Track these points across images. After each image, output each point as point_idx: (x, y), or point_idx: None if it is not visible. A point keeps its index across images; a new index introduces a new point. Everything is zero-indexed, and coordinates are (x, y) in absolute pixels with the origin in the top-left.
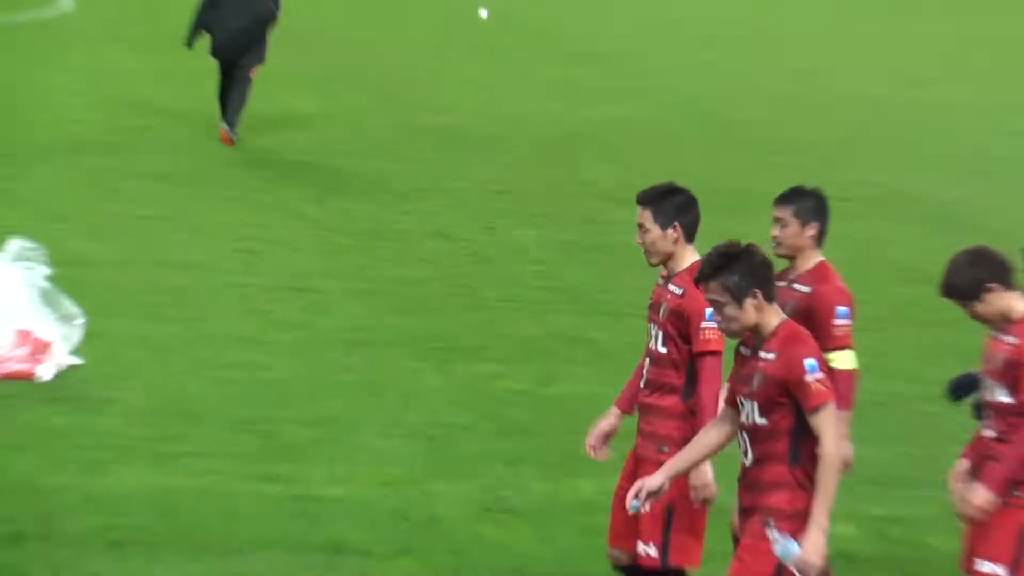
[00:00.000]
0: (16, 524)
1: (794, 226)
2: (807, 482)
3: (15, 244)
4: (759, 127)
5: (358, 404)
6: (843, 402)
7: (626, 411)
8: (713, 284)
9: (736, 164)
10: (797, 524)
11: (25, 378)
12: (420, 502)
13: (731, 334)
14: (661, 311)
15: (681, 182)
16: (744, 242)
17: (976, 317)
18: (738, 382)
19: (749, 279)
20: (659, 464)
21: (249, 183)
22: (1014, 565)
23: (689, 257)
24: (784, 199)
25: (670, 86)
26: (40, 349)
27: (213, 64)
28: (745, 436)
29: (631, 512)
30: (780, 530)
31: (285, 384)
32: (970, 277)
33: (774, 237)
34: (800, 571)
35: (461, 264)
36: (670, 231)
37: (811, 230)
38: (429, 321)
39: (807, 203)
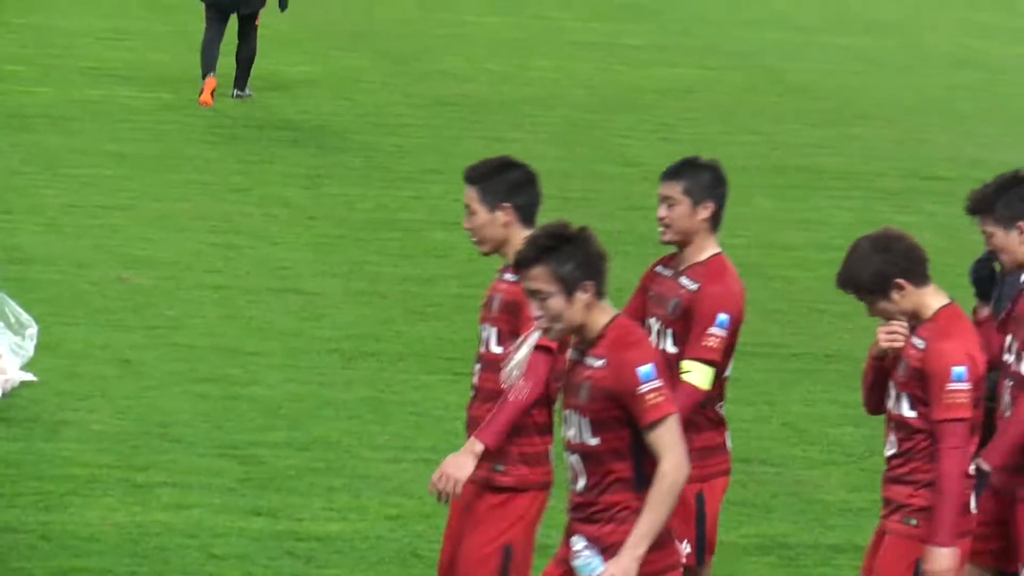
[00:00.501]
0: None
1: (684, 205)
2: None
3: None
4: (834, 93)
5: (360, 425)
6: None
7: None
8: (538, 270)
9: (807, 136)
10: (652, 555)
11: None
12: (433, 538)
13: (553, 334)
14: (493, 305)
15: (743, 158)
16: (577, 226)
17: (879, 314)
18: (567, 393)
19: (583, 268)
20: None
21: (225, 165)
22: None
23: None
24: (672, 174)
25: (727, 44)
26: None
27: (200, 11)
28: (575, 458)
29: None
30: (591, 546)
31: (273, 402)
32: (874, 269)
33: (660, 219)
34: None
35: (478, 259)
36: (499, 213)
37: (704, 211)
38: (441, 328)
39: (701, 178)
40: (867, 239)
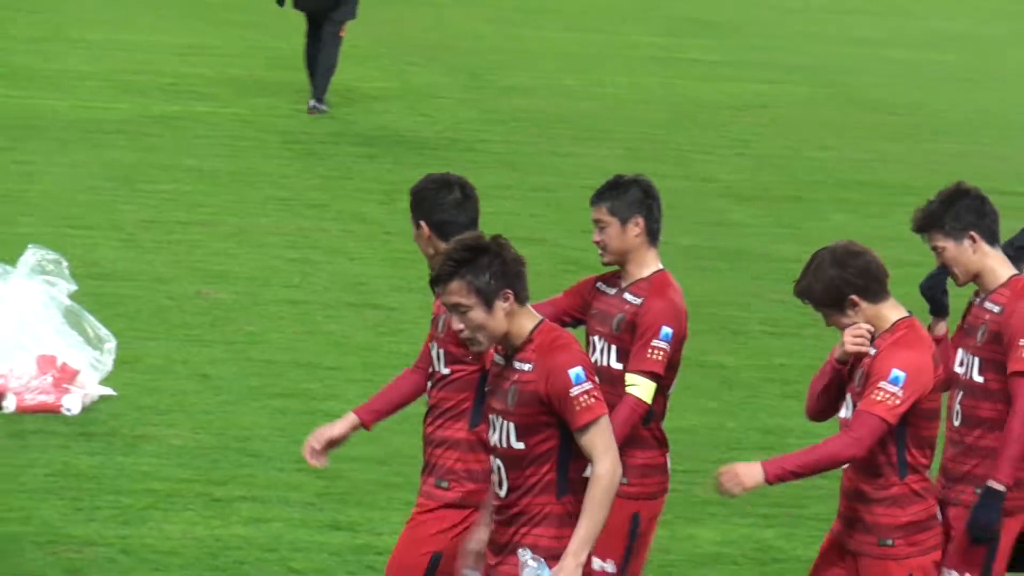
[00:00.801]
0: None
1: (614, 226)
2: (571, 514)
3: (32, 255)
4: (914, 109)
5: None
6: (616, 431)
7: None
8: (455, 284)
9: (888, 153)
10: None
11: (50, 411)
12: None
13: (479, 346)
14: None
15: (824, 175)
16: (490, 235)
17: (834, 325)
18: (491, 398)
19: (499, 278)
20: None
21: (302, 180)
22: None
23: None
24: (597, 197)
25: (797, 59)
26: (66, 378)
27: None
28: (499, 463)
29: None
30: (537, 557)
31: None
32: (829, 284)
33: (596, 243)
34: None
35: (554, 274)
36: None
37: (635, 227)
38: None
39: (626, 196)
40: (827, 251)
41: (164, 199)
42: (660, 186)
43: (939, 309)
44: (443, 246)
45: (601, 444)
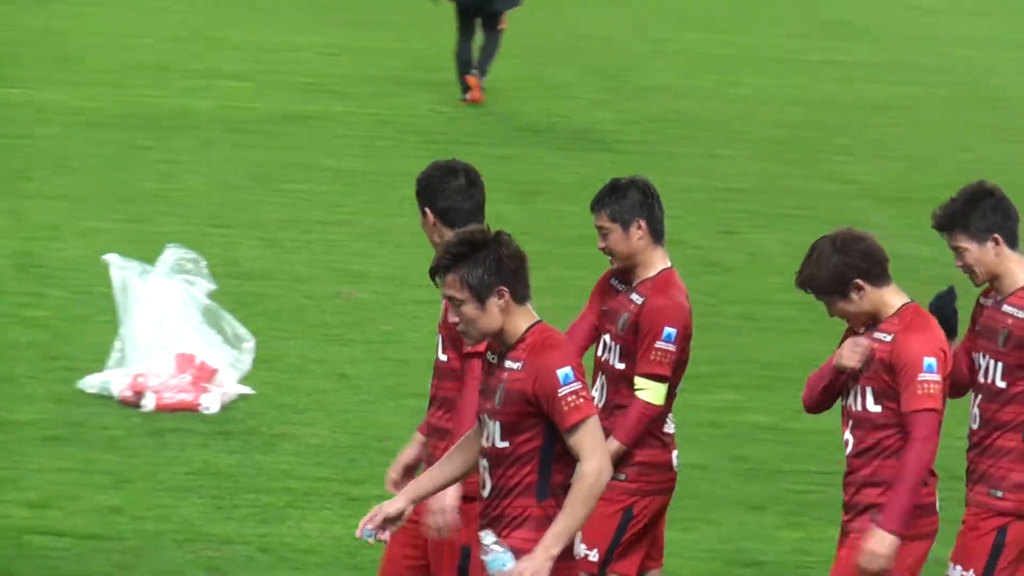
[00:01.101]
0: None
1: (616, 232)
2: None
3: (172, 254)
4: None
5: None
6: (622, 432)
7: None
8: (451, 277)
9: (1018, 154)
10: (561, 567)
11: (188, 410)
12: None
13: (471, 339)
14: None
15: (962, 177)
16: (495, 230)
17: (837, 315)
18: (482, 397)
19: (494, 274)
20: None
21: None
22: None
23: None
24: (596, 203)
25: (934, 61)
26: (205, 377)
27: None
28: (484, 463)
29: (366, 540)
30: (501, 542)
31: None
32: (833, 270)
33: (601, 250)
34: None
35: (693, 275)
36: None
37: (638, 231)
38: None
39: (625, 201)
40: (826, 239)
41: (302, 199)
42: (796, 188)
43: (950, 331)
44: (448, 234)
45: (589, 445)
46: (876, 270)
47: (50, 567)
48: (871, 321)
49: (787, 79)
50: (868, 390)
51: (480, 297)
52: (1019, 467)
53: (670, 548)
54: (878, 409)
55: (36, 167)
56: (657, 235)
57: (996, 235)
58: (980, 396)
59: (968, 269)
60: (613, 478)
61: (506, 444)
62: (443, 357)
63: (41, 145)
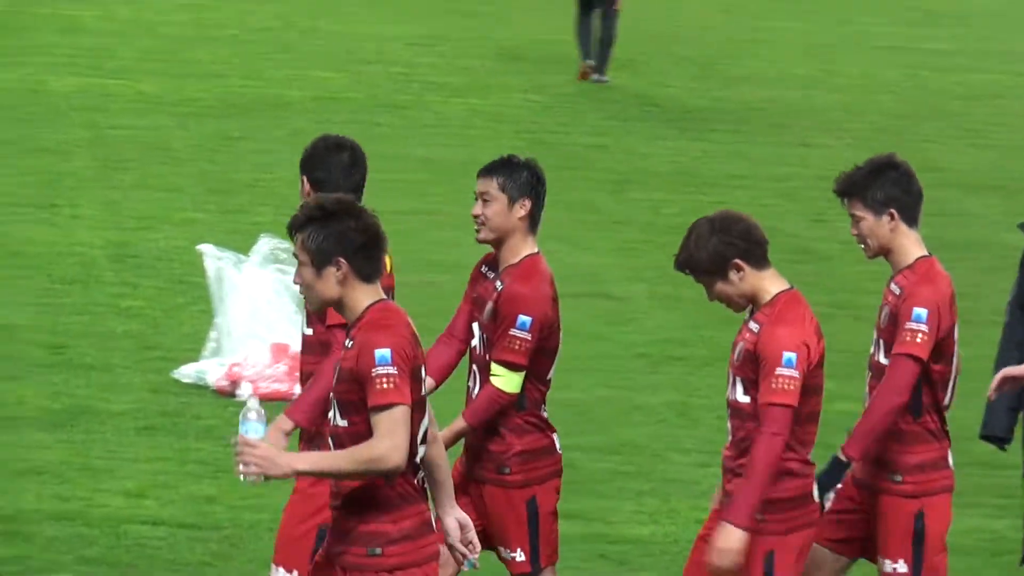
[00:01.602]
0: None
1: (500, 203)
2: (414, 496)
3: (266, 243)
4: None
5: (667, 429)
6: (470, 413)
7: None
8: (298, 237)
9: None
10: (405, 548)
11: (283, 399)
12: None
13: (311, 304)
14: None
15: None
16: (361, 205)
17: (716, 298)
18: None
19: (335, 244)
20: None
21: None
22: None
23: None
24: (488, 170)
25: None
26: (299, 367)
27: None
28: (330, 440)
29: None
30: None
31: (583, 406)
32: (712, 250)
33: (475, 216)
34: (239, 452)
35: (786, 263)
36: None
37: (521, 209)
38: None
39: (519, 176)
40: (706, 220)
41: (394, 188)
42: None
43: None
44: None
45: (384, 428)
46: (756, 251)
47: (147, 556)
48: (750, 305)
49: (884, 67)
50: (738, 380)
51: (317, 263)
52: (916, 448)
53: None
54: (747, 400)
55: (132, 158)
56: (535, 222)
57: (893, 209)
58: (870, 374)
59: (861, 239)
60: (499, 472)
61: (345, 423)
62: (308, 331)
63: (138, 136)
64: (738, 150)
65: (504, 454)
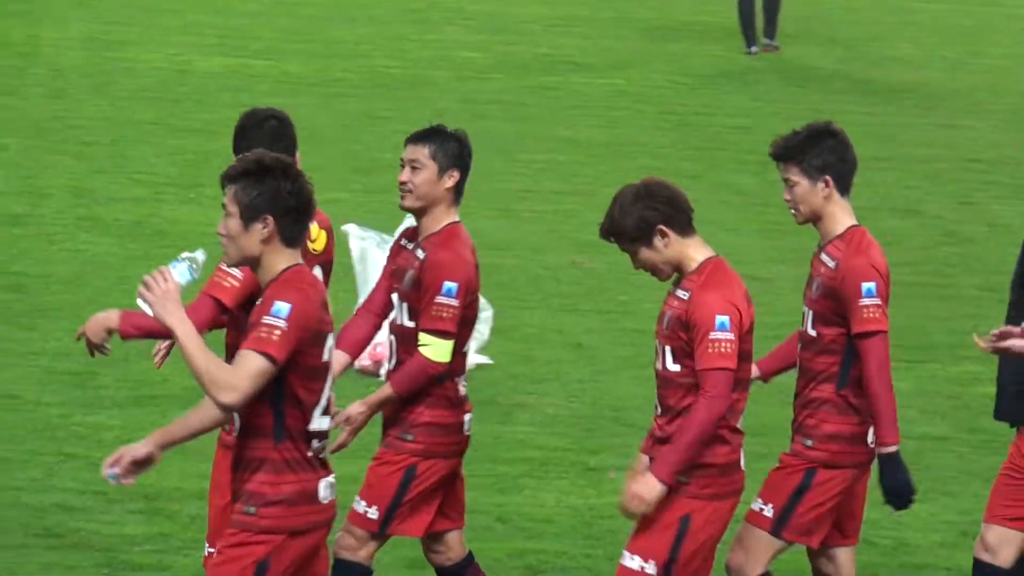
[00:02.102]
0: (418, 547)
1: (430, 171)
2: (301, 464)
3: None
4: None
5: None
6: (396, 380)
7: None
8: (230, 188)
9: None
10: (281, 511)
11: None
12: (884, 525)
13: (229, 259)
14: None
15: None
16: (298, 169)
17: (642, 266)
18: None
19: (267, 201)
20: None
21: (676, 151)
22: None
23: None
24: (419, 137)
25: None
26: None
27: None
28: None
29: (109, 482)
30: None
31: None
32: (637, 216)
33: (402, 184)
34: (151, 276)
35: (931, 246)
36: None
37: (449, 180)
38: (896, 313)
39: (448, 146)
40: (630, 188)
41: (539, 169)
42: None
43: None
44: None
45: (240, 366)
46: (680, 217)
47: None
48: (675, 272)
49: None
50: (667, 349)
51: (246, 217)
52: (831, 419)
53: (905, 518)
54: (677, 368)
55: None
56: (459, 194)
57: (828, 176)
58: (800, 345)
59: (793, 205)
60: (399, 437)
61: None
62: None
63: None
64: (883, 132)
65: (411, 421)
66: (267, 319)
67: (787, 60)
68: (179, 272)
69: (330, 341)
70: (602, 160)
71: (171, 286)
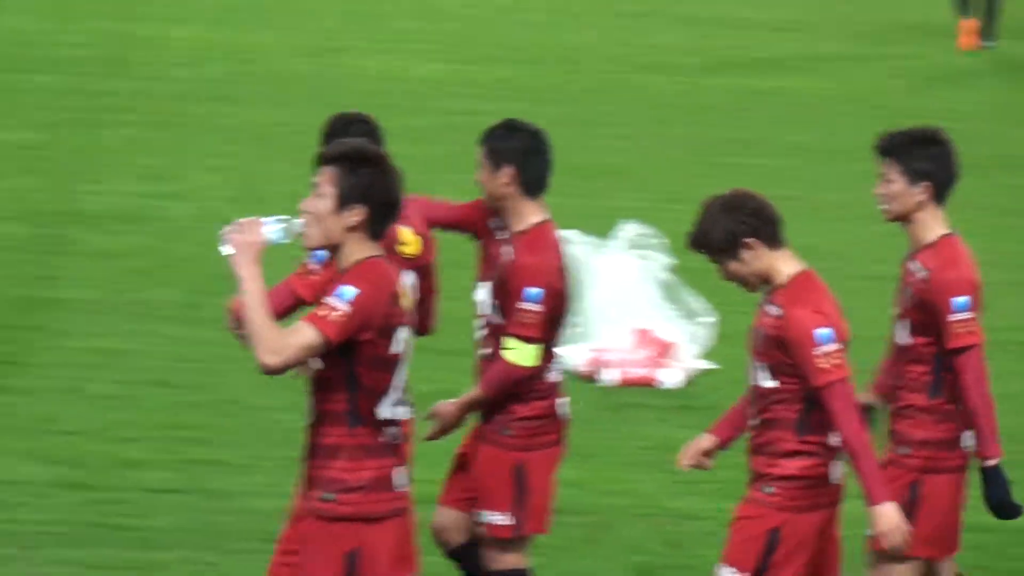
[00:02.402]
0: (644, 553)
1: (485, 168)
2: (377, 449)
3: (629, 229)
4: None
5: None
6: (486, 385)
7: None
8: (328, 169)
9: None
10: (359, 498)
11: (646, 384)
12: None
13: (309, 240)
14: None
15: None
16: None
17: (731, 278)
18: None
19: (365, 190)
20: None
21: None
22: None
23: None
24: (483, 134)
25: None
26: (662, 351)
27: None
28: (308, 390)
29: None
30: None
31: None
32: (723, 228)
33: (479, 182)
34: (240, 223)
35: None
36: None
37: (506, 176)
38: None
39: (506, 141)
40: (718, 199)
41: (758, 174)
42: None
43: None
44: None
45: (291, 332)
46: (768, 230)
47: None
48: (763, 285)
49: None
50: (762, 366)
51: (341, 200)
52: (926, 426)
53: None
54: (774, 384)
55: None
56: (528, 187)
57: (927, 182)
58: (893, 354)
59: (885, 201)
60: (502, 432)
61: (320, 365)
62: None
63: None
64: None
65: (506, 418)
66: (331, 299)
67: (1010, 64)
68: (272, 230)
69: (402, 333)
70: (822, 164)
71: (258, 238)
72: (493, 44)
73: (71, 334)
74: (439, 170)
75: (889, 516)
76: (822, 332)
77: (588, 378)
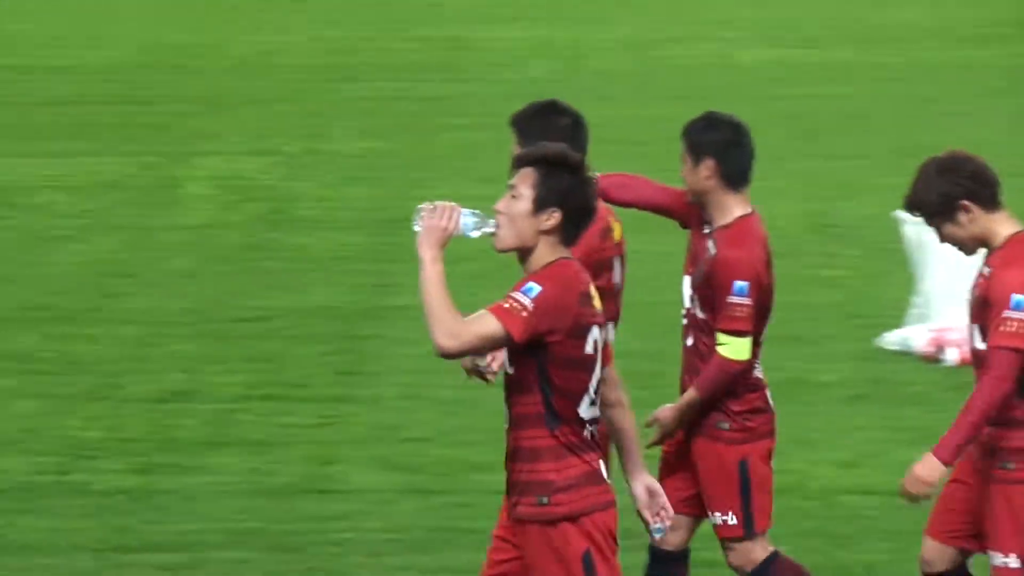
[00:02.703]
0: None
1: (687, 162)
2: (579, 446)
3: None
4: None
5: None
6: (701, 386)
7: None
8: (529, 170)
9: None
10: (571, 496)
11: None
12: None
13: (500, 240)
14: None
15: None
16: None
17: (948, 240)
18: None
19: (564, 197)
20: None
21: None
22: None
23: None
24: (684, 128)
25: None
26: None
27: None
28: (504, 392)
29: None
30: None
31: None
32: (939, 190)
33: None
34: (438, 206)
35: None
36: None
37: (705, 169)
38: None
39: (709, 135)
40: (934, 160)
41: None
42: None
43: None
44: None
45: (473, 320)
46: (985, 192)
47: (861, 526)
48: (981, 247)
49: None
50: (977, 328)
51: (538, 203)
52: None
53: None
54: (985, 347)
55: (824, 127)
56: (729, 180)
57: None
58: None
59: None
60: (717, 426)
61: (513, 369)
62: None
63: (828, 105)
64: None
65: (724, 414)
66: (517, 294)
67: None
68: (465, 221)
69: (595, 333)
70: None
71: (448, 225)
72: (818, 26)
73: (410, 341)
74: (779, 158)
75: (932, 469)
76: (1018, 298)
77: (930, 359)
